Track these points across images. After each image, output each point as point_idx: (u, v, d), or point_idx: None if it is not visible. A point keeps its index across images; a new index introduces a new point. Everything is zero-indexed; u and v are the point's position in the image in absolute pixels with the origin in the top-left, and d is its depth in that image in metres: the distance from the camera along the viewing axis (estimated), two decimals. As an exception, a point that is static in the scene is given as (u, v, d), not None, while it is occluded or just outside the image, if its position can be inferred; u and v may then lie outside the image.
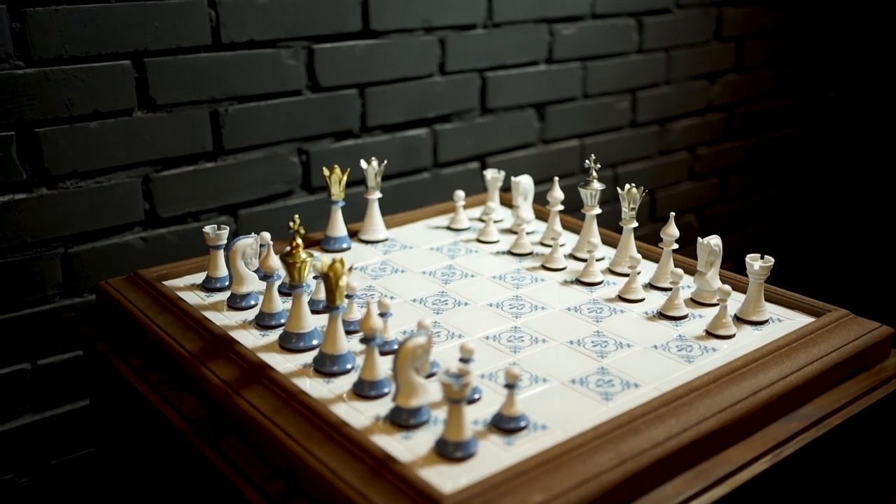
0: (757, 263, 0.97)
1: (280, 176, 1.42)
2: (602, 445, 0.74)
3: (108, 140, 1.24)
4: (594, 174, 1.13)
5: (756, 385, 0.85)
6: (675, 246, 1.06)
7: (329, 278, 0.83)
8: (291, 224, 0.89)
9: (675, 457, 0.76)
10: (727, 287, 0.94)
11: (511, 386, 0.76)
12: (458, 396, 0.71)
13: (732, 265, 2.28)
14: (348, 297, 0.94)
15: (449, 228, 1.27)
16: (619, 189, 1.09)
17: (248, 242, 0.99)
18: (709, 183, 2.12)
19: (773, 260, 0.97)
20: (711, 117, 2.06)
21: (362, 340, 0.82)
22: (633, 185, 1.09)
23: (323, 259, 0.84)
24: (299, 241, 0.89)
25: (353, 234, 1.22)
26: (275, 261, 0.94)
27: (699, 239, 1.01)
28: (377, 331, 0.81)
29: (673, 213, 1.07)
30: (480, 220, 1.29)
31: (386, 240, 1.21)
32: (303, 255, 0.88)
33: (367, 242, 1.20)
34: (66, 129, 1.20)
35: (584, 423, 0.78)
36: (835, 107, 2.40)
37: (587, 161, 1.14)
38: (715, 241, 1.01)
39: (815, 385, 0.89)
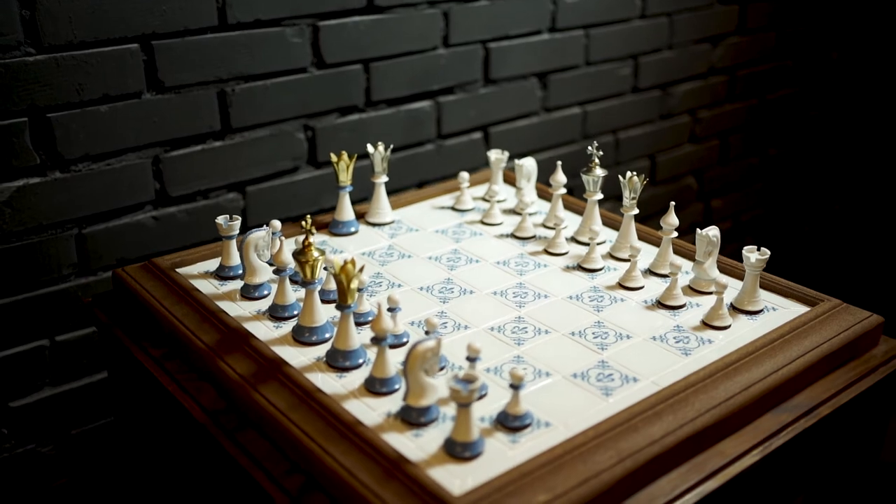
0: (753, 256, 1.00)
1: (287, 152, 1.44)
2: (602, 444, 0.78)
3: (118, 123, 1.26)
4: (596, 161, 1.15)
5: (749, 379, 0.89)
6: (675, 234, 1.09)
7: (340, 280, 0.86)
8: (304, 224, 0.92)
9: (671, 452, 0.81)
10: (724, 281, 0.98)
11: (516, 387, 0.80)
12: (466, 401, 0.76)
13: (731, 224, 2.31)
14: (359, 290, 0.97)
15: (453, 209, 1.29)
16: (620, 177, 1.12)
17: (259, 235, 1.02)
18: (709, 145, 2.14)
19: (769, 252, 1.00)
20: (713, 80, 2.07)
21: (373, 340, 0.85)
22: (635, 173, 1.11)
23: (335, 259, 0.87)
24: (311, 239, 0.92)
25: (361, 216, 1.25)
26: (287, 255, 0.97)
27: (698, 230, 1.04)
28: (388, 331, 0.84)
29: (673, 203, 1.10)
30: (484, 199, 1.31)
31: (392, 222, 1.24)
32: (315, 253, 0.92)
33: (374, 225, 1.23)
34: (78, 113, 1.22)
35: (586, 421, 0.82)
36: (837, 67, 2.40)
37: (589, 148, 1.16)
38: (713, 232, 1.04)
39: (807, 376, 0.93)
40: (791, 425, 0.89)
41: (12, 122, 1.18)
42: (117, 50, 1.23)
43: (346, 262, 0.87)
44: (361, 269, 0.88)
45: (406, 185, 1.60)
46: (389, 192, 1.44)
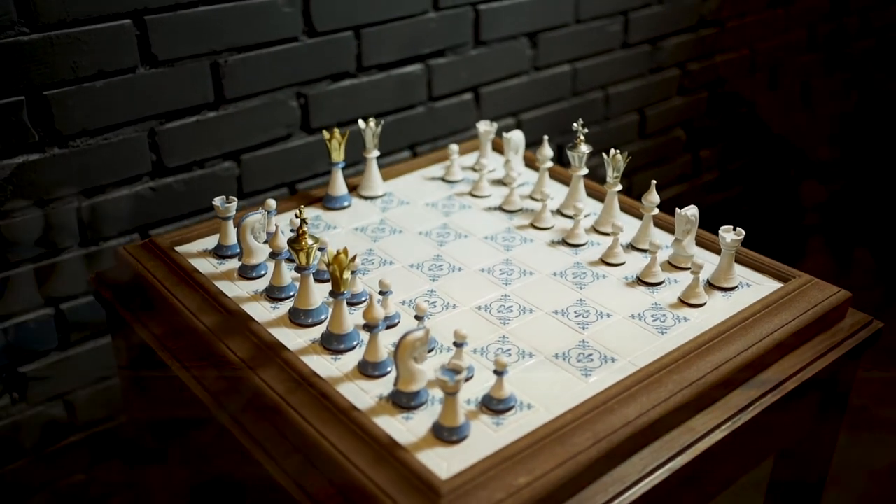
0: (729, 236, 1.05)
1: (280, 120, 1.47)
2: (580, 426, 0.84)
3: (113, 98, 1.28)
4: (581, 137, 1.19)
5: (721, 358, 0.94)
6: (656, 211, 1.13)
7: (334, 270, 0.91)
8: (297, 214, 0.96)
9: (644, 432, 0.87)
10: (700, 262, 1.02)
11: (500, 373, 0.86)
12: (452, 390, 0.81)
13: (718, 174, 2.34)
14: (352, 272, 1.02)
15: (443, 180, 1.33)
16: (604, 154, 1.15)
17: (255, 218, 1.06)
18: (698, 98, 2.16)
19: (744, 233, 1.05)
20: (703, 32, 2.08)
21: (365, 327, 0.90)
22: (618, 151, 1.15)
23: (329, 250, 0.92)
24: (305, 228, 0.96)
25: (353, 189, 1.28)
26: (282, 241, 1.01)
27: (677, 209, 1.09)
28: (379, 320, 0.89)
29: (654, 181, 1.14)
30: (473, 169, 1.35)
31: (384, 195, 1.28)
32: (309, 241, 0.96)
33: (366, 198, 1.27)
34: (73, 90, 1.25)
35: (565, 403, 0.87)
36: (829, 14, 2.40)
37: (575, 125, 1.19)
38: (692, 211, 1.09)
39: (776, 352, 0.99)
40: (759, 400, 0.94)
41: (10, 101, 1.20)
42: (110, 26, 1.25)
43: (338, 253, 0.91)
44: (353, 259, 0.93)
45: (398, 148, 1.63)
46: (382, 154, 1.48)
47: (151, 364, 1.04)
